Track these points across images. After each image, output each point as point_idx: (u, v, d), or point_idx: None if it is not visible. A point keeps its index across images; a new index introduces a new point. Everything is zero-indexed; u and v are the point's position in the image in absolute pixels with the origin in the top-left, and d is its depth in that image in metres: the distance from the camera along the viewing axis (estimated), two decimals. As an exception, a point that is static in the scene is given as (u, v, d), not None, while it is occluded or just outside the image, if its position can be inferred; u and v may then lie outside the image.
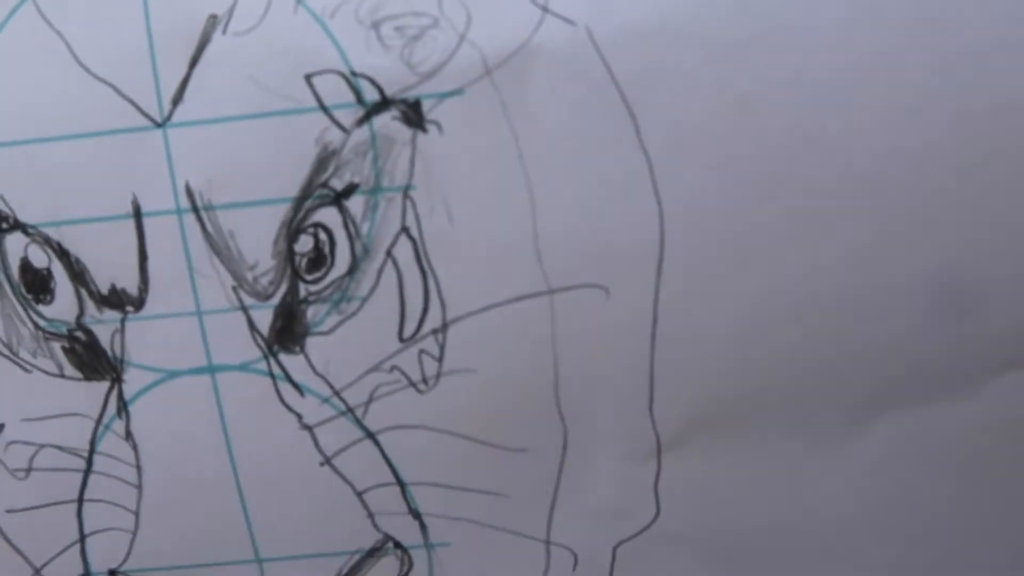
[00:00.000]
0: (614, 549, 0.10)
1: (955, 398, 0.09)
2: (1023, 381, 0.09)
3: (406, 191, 0.09)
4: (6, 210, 0.09)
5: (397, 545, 0.10)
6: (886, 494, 0.10)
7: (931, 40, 0.08)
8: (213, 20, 0.08)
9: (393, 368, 0.09)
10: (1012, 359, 0.09)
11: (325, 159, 0.09)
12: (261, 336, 0.09)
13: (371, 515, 0.10)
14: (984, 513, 0.10)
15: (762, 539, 0.10)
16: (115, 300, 0.09)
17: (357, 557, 0.10)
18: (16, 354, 0.09)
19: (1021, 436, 0.10)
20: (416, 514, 0.10)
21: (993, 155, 0.08)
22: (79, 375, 0.09)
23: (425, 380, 0.09)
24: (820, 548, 0.10)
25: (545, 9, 0.08)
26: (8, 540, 0.10)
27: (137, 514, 0.10)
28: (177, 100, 0.09)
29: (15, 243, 0.09)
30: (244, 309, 0.09)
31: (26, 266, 0.09)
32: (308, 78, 0.08)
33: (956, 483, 0.10)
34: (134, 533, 0.10)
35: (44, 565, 0.10)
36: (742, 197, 0.08)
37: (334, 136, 0.08)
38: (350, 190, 0.09)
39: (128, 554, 0.10)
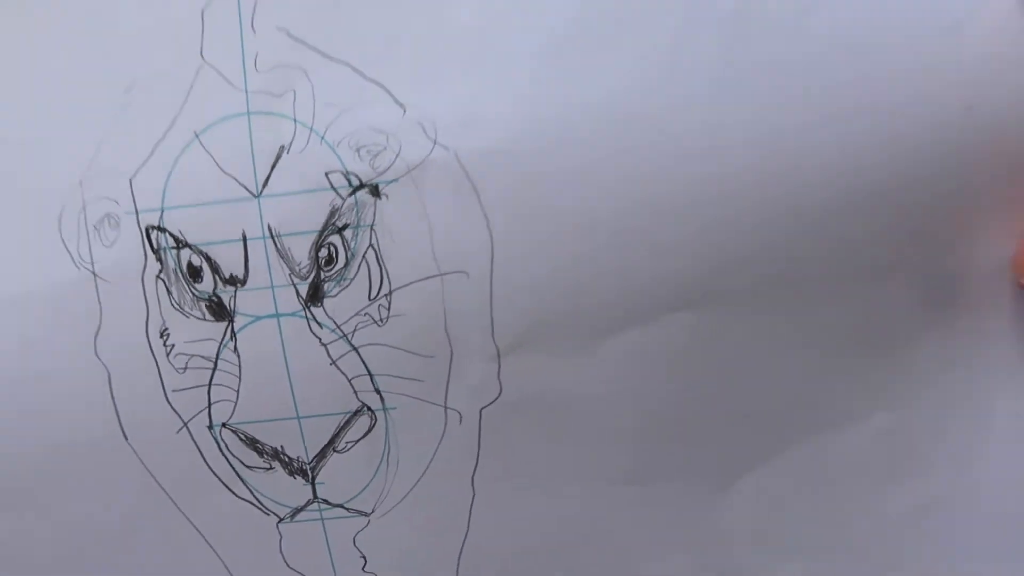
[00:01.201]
0: (480, 411, 0.19)
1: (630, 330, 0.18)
2: (687, 320, 0.18)
3: (371, 227, 0.18)
4: (180, 236, 0.18)
5: (368, 409, 0.19)
6: (627, 388, 0.19)
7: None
8: (282, 147, 0.18)
9: (366, 314, 0.18)
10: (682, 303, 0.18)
11: (334, 211, 0.18)
12: (301, 298, 0.18)
13: (355, 392, 0.19)
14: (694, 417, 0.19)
15: (569, 408, 0.19)
16: (232, 280, 0.18)
17: (346, 416, 0.19)
18: (183, 308, 0.18)
19: (688, 367, 0.18)
20: (378, 391, 0.19)
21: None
22: (212, 319, 0.18)
23: (382, 320, 0.18)
24: (595, 416, 0.19)
25: (435, 141, 0.17)
26: (172, 406, 0.19)
27: (238, 392, 0.19)
28: (265, 183, 0.18)
29: (184, 253, 0.18)
30: (294, 285, 0.18)
31: (189, 265, 0.18)
32: (327, 175, 0.18)
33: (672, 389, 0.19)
34: (235, 403, 0.19)
35: (189, 420, 0.19)
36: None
37: (339, 201, 0.18)
38: (345, 226, 0.18)
39: (232, 415, 0.19)
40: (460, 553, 0.20)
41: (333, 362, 0.18)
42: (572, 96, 0.17)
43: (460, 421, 0.19)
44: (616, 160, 0.17)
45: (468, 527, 0.19)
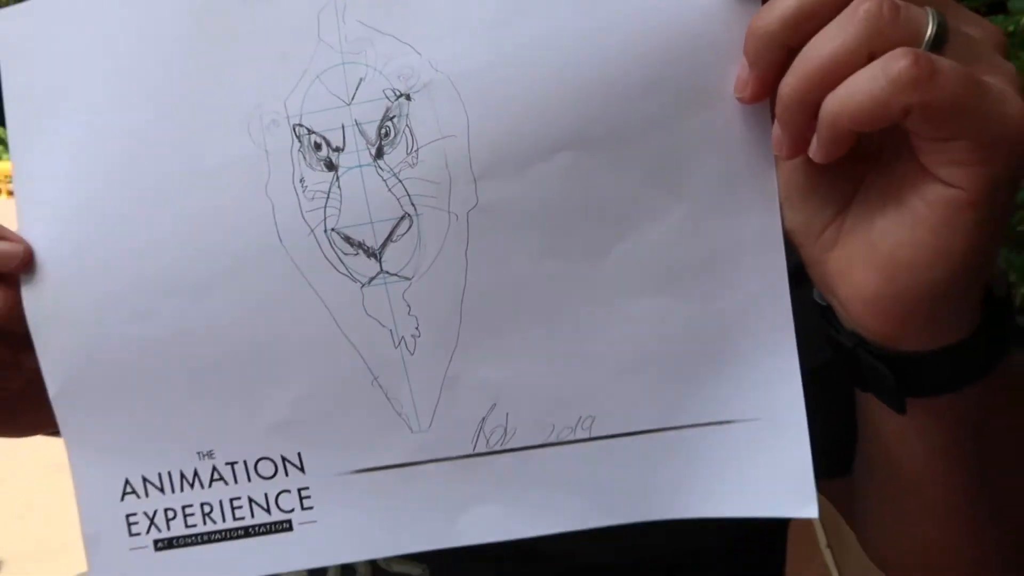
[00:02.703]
0: (467, 213, 0.35)
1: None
2: (572, 160, 0.34)
3: (407, 115, 0.34)
4: (310, 128, 0.35)
5: (407, 215, 0.35)
6: (543, 193, 0.35)
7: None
8: (360, 79, 0.35)
9: (404, 161, 0.35)
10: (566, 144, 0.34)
11: (387, 109, 0.34)
12: (371, 155, 0.35)
13: (400, 205, 0.35)
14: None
15: (516, 206, 0.35)
16: (337, 149, 0.35)
17: (397, 220, 0.35)
18: (312, 166, 0.35)
19: (573, 180, 0.34)
20: (413, 204, 0.35)
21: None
22: (326, 170, 0.35)
23: (412, 164, 0.35)
24: (529, 208, 0.35)
25: (436, 70, 0.34)
26: (304, 219, 0.36)
27: (340, 210, 0.35)
28: (352, 97, 0.35)
29: (312, 137, 0.35)
30: (368, 149, 0.35)
31: (314, 143, 0.35)
32: (383, 90, 0.34)
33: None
34: (338, 215, 0.35)
35: (315, 226, 0.36)
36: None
37: (390, 104, 0.34)
38: (393, 116, 0.34)
39: (337, 222, 0.36)
40: (463, 292, 0.36)
41: (389, 189, 0.35)
42: (519, 34, 0.33)
43: (457, 220, 0.35)
44: (539, 71, 0.33)
45: (466, 277, 0.36)
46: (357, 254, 0.36)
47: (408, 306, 0.37)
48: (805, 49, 0.27)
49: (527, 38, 0.33)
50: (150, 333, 0.38)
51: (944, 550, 0.43)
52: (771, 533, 0.54)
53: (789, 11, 0.27)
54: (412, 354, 0.37)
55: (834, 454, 0.44)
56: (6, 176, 10.08)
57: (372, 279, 0.36)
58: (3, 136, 11.44)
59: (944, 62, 0.25)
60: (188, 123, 0.37)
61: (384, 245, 0.36)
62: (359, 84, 0.35)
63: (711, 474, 0.36)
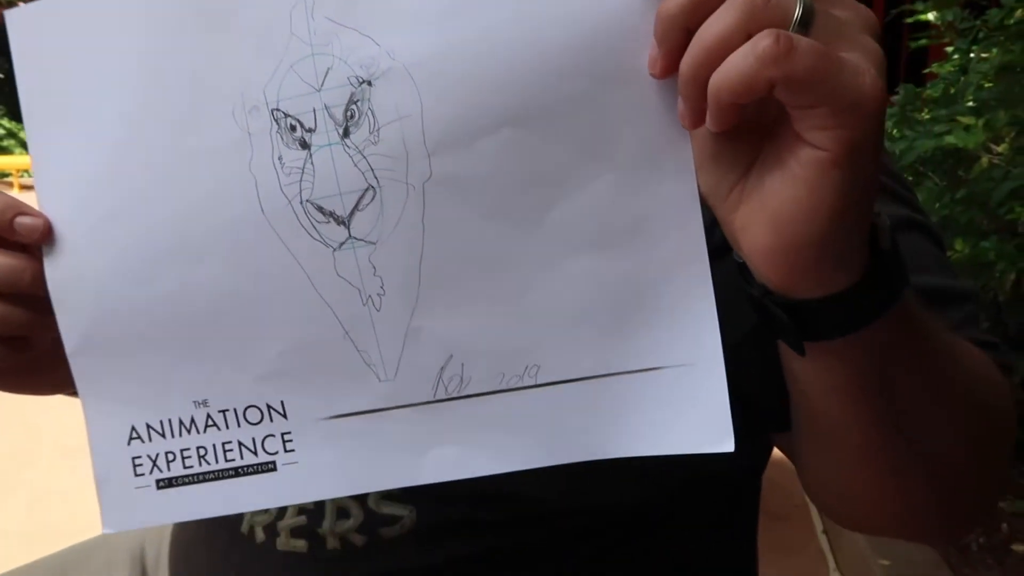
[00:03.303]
0: (423, 184, 0.40)
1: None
2: (512, 135, 0.38)
3: (369, 99, 0.39)
4: (286, 112, 0.40)
5: (371, 187, 0.40)
6: (490, 166, 0.39)
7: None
8: (328, 68, 0.40)
9: (367, 140, 0.40)
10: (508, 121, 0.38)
11: (352, 94, 0.39)
12: (339, 134, 0.40)
13: (364, 177, 0.40)
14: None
15: (465, 175, 0.40)
16: (309, 131, 0.40)
17: (362, 191, 0.40)
18: (288, 145, 0.40)
19: (517, 153, 0.39)
20: (376, 177, 0.40)
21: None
22: (300, 148, 0.40)
23: (375, 141, 0.40)
24: (478, 178, 0.40)
25: (392, 58, 0.39)
26: (283, 192, 0.41)
27: (313, 182, 0.40)
28: (321, 85, 0.40)
29: (288, 120, 0.40)
30: (336, 130, 0.40)
31: (290, 126, 0.40)
32: (347, 77, 0.39)
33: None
34: (312, 187, 0.40)
35: (292, 198, 0.41)
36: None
37: (354, 89, 0.39)
38: (357, 100, 0.39)
39: (311, 193, 0.41)
40: (421, 254, 0.41)
41: (355, 164, 0.40)
42: (465, 26, 0.38)
43: (414, 189, 0.40)
44: (482, 58, 0.38)
45: (423, 241, 0.40)
46: (328, 222, 0.41)
47: (373, 267, 0.41)
48: (698, 31, 0.32)
49: (472, 30, 0.38)
50: (153, 295, 0.43)
51: (872, 496, 0.47)
52: (716, 485, 0.58)
53: None
54: (378, 311, 0.42)
55: (778, 410, 0.49)
56: (18, 169, 10.32)
57: (342, 244, 0.41)
58: (14, 131, 11.69)
59: (803, 40, 0.29)
60: (182, 110, 0.42)
61: (351, 214, 0.41)
62: (327, 73, 0.40)
63: (643, 416, 0.40)
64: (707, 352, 0.39)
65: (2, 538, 1.85)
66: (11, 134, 11.70)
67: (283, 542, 0.52)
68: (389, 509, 0.51)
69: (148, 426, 0.45)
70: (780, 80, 0.29)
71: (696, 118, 0.33)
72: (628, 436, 0.41)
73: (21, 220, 0.42)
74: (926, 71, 2.87)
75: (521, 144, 0.39)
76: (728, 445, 0.38)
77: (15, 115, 12.11)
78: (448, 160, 0.39)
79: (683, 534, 0.57)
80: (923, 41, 2.55)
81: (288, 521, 0.53)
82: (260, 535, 0.53)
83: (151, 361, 0.44)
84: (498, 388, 0.41)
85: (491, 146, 0.39)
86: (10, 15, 0.43)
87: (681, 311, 0.39)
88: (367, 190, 0.40)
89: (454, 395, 0.42)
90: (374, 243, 0.41)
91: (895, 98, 2.39)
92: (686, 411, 0.39)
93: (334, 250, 0.41)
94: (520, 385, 0.41)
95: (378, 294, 0.42)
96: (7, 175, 10.45)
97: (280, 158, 0.41)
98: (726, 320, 0.38)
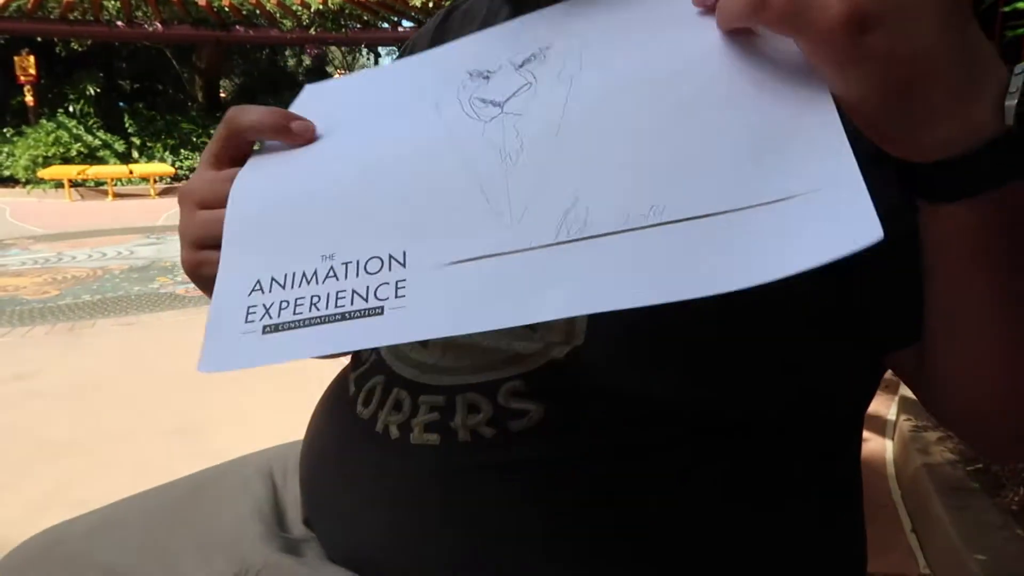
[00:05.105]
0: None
1: None
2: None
3: None
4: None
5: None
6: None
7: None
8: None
9: None
10: None
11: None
12: None
13: None
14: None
15: None
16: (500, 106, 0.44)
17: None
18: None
19: None
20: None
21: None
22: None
23: None
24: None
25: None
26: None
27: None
28: None
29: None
30: None
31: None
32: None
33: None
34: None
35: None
36: None
37: None
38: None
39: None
40: (561, 119, 0.44)
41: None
42: None
43: (567, 83, 0.46)
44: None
45: (564, 110, 0.44)
46: (487, 107, 0.47)
47: (517, 131, 0.45)
48: None
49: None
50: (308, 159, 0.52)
51: (1008, 392, 0.45)
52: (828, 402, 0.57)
53: None
54: (515, 165, 0.44)
55: (907, 323, 0.48)
56: (113, 178, 10.93)
57: (493, 119, 0.46)
58: (109, 142, 12.38)
59: None
60: None
61: (507, 100, 0.47)
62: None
63: (775, 242, 0.36)
64: (842, 171, 0.36)
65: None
66: (106, 145, 12.42)
67: (417, 436, 0.54)
68: (518, 404, 0.51)
69: (272, 279, 0.47)
70: (761, 23, 0.37)
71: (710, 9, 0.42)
72: (770, 259, 0.36)
73: (296, 124, 0.52)
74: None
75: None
76: (877, 232, 0.34)
77: (110, 128, 12.87)
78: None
79: (790, 449, 0.56)
80: (1021, 31, 2.44)
81: (422, 418, 0.54)
82: (395, 432, 0.55)
83: (295, 220, 0.48)
84: (621, 228, 0.41)
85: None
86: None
87: (808, 140, 0.38)
88: (524, 85, 0.46)
89: (576, 236, 0.42)
90: (520, 114, 0.46)
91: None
92: (826, 224, 0.36)
93: (485, 123, 0.46)
94: (645, 224, 0.41)
95: (516, 151, 0.44)
96: (102, 183, 11.10)
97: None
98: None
